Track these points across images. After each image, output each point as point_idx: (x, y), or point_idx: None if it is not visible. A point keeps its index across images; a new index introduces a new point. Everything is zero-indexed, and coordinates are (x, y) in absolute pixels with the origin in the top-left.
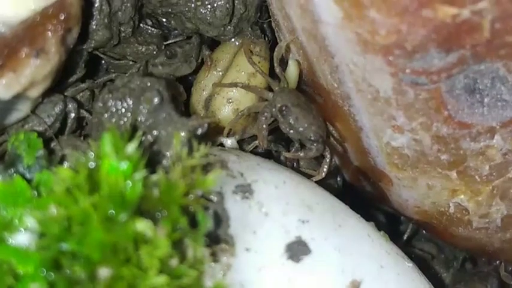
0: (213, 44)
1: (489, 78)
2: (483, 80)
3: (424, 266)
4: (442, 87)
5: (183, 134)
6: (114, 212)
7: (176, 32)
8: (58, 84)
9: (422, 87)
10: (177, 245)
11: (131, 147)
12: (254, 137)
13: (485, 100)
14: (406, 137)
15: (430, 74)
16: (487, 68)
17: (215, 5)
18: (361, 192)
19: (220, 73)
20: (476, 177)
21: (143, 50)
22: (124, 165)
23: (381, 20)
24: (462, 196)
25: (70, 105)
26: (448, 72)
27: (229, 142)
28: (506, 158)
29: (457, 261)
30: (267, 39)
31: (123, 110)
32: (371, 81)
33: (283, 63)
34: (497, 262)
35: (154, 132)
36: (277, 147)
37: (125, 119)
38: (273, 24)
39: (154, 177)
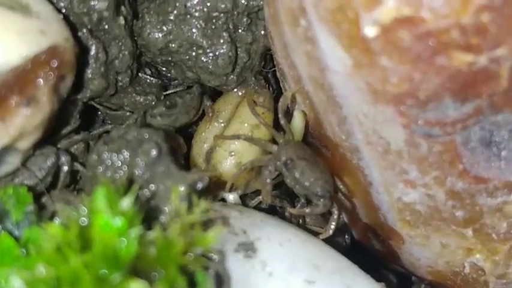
0: (215, 94)
1: (506, 130)
2: (500, 132)
3: None
4: (457, 140)
5: (182, 188)
6: (107, 271)
7: (176, 81)
8: (51, 135)
9: (436, 139)
10: None
11: (126, 203)
12: (257, 192)
13: (503, 153)
14: (418, 192)
15: (445, 125)
16: (504, 119)
17: (217, 53)
18: (370, 251)
19: (222, 125)
20: (493, 235)
21: (141, 100)
22: (118, 222)
23: (392, 68)
24: (478, 255)
25: (63, 158)
26: (463, 123)
27: (231, 197)
28: None
29: None
30: (271, 89)
31: (119, 163)
32: (382, 133)
33: (288, 114)
34: None
35: (152, 187)
36: (282, 203)
37: (121, 173)
38: (278, 74)
39: (151, 235)
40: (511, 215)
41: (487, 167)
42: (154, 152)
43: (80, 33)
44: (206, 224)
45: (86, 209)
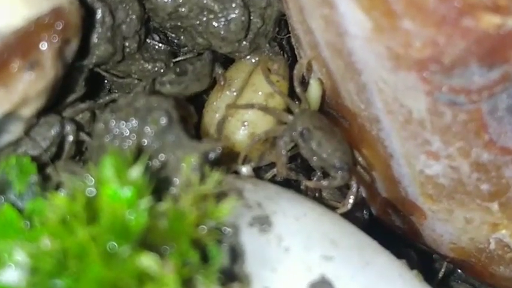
0: (227, 61)
1: None
2: None
3: None
4: (483, 108)
5: (193, 158)
6: (115, 244)
7: (186, 48)
8: (55, 104)
9: (461, 107)
10: (187, 283)
11: (135, 172)
12: (272, 165)
13: None
14: (441, 164)
15: (470, 92)
16: None
17: (229, 18)
18: (390, 227)
19: (235, 93)
20: None
21: (150, 67)
22: (127, 192)
23: (415, 31)
24: (504, 231)
25: (68, 127)
26: (489, 90)
27: (244, 170)
28: None
29: None
30: (286, 56)
31: (127, 132)
32: (403, 101)
33: (304, 82)
34: None
35: (162, 157)
36: (297, 176)
37: (129, 142)
38: (293, 40)
39: (162, 206)
40: None
41: None
42: (164, 120)
43: None
44: (219, 196)
45: (93, 179)
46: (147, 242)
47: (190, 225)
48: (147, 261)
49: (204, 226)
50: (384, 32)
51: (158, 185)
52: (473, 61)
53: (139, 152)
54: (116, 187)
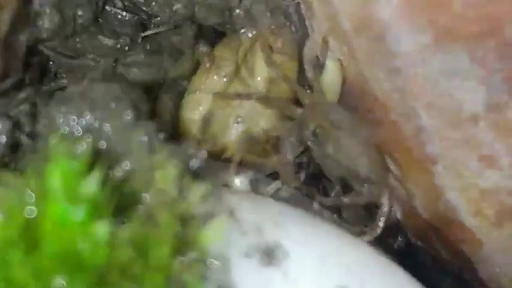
0: (216, 37)
1: None
2: None
3: None
4: None
5: (170, 167)
6: (63, 284)
7: (159, 19)
8: None
9: None
10: None
11: (90, 185)
12: (275, 175)
13: None
14: (501, 173)
15: None
16: None
17: None
18: (432, 258)
19: (225, 79)
20: None
21: (110, 44)
22: (79, 213)
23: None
24: None
25: (0, 125)
26: None
27: (238, 182)
28: None
29: None
30: (294, 29)
31: (80, 131)
32: (450, 90)
33: (319, 65)
34: None
35: (127, 165)
36: (309, 190)
37: (83, 145)
38: (303, 9)
39: (126, 231)
40: None
41: None
42: (129, 115)
43: None
44: (204, 218)
45: (33, 195)
46: (106, 280)
47: (164, 257)
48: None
49: (182, 258)
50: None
51: (121, 202)
52: None
53: (96, 157)
54: (64, 206)
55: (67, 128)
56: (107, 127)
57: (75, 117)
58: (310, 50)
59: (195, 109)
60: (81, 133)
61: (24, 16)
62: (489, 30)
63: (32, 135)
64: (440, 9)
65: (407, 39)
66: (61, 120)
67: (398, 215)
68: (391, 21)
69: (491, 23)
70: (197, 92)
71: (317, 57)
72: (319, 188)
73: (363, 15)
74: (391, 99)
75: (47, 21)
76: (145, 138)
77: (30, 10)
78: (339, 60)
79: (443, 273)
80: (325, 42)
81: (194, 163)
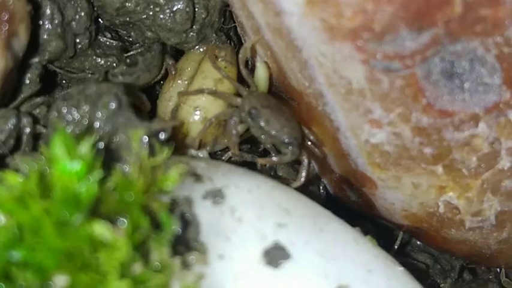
0: (178, 54)
1: (467, 60)
2: (461, 63)
3: (418, 276)
4: (418, 73)
5: (141, 133)
6: (67, 214)
7: (138, 45)
8: (10, 100)
9: (397, 73)
10: (140, 249)
11: (84, 147)
12: (227, 149)
13: (466, 85)
14: (385, 131)
15: (403, 58)
16: (463, 48)
17: (174, 9)
18: (347, 204)
19: (186, 82)
20: (464, 170)
21: (102, 62)
22: (77, 166)
23: (345, 0)
24: (451, 193)
25: (24, 120)
26: (422, 54)
27: (200, 155)
28: (494, 148)
29: (455, 271)
30: (233, 44)
31: (79, 117)
32: (342, 72)
33: (251, 67)
34: (498, 270)
35: (114, 139)
36: (252, 158)
37: (82, 127)
38: (238, 28)
39: (111, 178)
40: (479, 148)
41: (451, 100)
42: (113, 104)
43: None
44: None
45: (44, 158)
46: (99, 213)
47: (138, 192)
48: (99, 228)
49: (153, 194)
50: (316, 4)
51: (109, 162)
52: (402, 26)
53: (91, 132)
54: (65, 162)
55: (70, 116)
56: (99, 114)
57: (75, 108)
58: (243, 55)
59: (166, 105)
60: (80, 119)
61: (37, 43)
62: (363, 24)
63: (46, 126)
64: (327, 12)
65: (308, 37)
66: (65, 111)
67: (317, 171)
68: (295, 26)
69: (364, 18)
70: (167, 93)
71: (250, 63)
72: (260, 156)
73: (277, 25)
74: (303, 86)
75: (54, 46)
76: (126, 120)
77: (41, 39)
78: (265, 62)
79: (363, 217)
80: (254, 49)
81: (163, 136)
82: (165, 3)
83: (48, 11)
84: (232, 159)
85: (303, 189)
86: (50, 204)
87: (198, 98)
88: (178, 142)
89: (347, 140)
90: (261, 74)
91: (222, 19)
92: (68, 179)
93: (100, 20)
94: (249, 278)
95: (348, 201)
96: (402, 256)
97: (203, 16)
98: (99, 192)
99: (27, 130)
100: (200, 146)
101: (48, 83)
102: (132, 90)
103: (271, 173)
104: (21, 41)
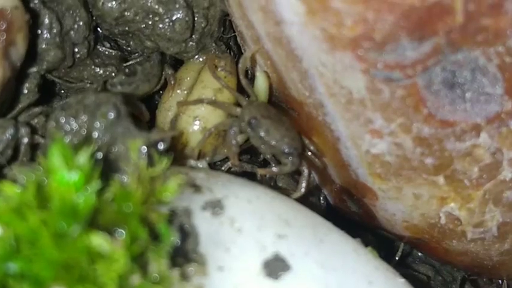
0: (178, 64)
1: (468, 69)
2: (462, 72)
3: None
4: (419, 82)
5: (139, 143)
6: (65, 225)
7: (137, 54)
8: (9, 109)
9: (398, 83)
10: (138, 260)
11: (82, 157)
12: (227, 159)
13: (467, 95)
14: (385, 141)
15: (404, 67)
16: (465, 57)
17: (173, 18)
18: (348, 215)
19: (185, 92)
20: (466, 181)
21: (101, 72)
22: (75, 176)
23: (345, 9)
24: (452, 204)
25: (23, 130)
26: (423, 64)
27: (199, 165)
28: (496, 158)
29: (456, 283)
30: (232, 54)
31: (77, 127)
32: (342, 82)
33: (251, 77)
34: (500, 281)
35: (113, 149)
36: (252, 168)
37: (80, 137)
38: (238, 38)
39: (110, 189)
40: (481, 158)
41: (452, 110)
42: (112, 114)
43: (31, 4)
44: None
45: (41, 168)
46: (97, 224)
47: (137, 203)
48: (97, 239)
49: (151, 204)
50: (317, 14)
51: (107, 172)
52: (403, 35)
53: (89, 142)
54: (63, 173)
55: (68, 126)
56: (97, 124)
57: (73, 118)
58: (243, 64)
59: (166, 115)
60: (78, 129)
61: (35, 53)
62: (363, 33)
63: (44, 136)
64: (327, 22)
65: (309, 47)
66: (63, 121)
67: (318, 182)
68: (296, 36)
69: (365, 28)
70: (166, 103)
71: (249, 72)
72: (260, 166)
73: (277, 34)
74: (304, 96)
75: (53, 56)
76: (125, 130)
77: (39, 49)
78: (265, 72)
79: (363, 228)
80: (253, 58)
81: (162, 146)
82: (164, 13)
83: (46, 21)
84: (232, 169)
85: (303, 200)
86: (47, 215)
87: (198, 108)
88: (177, 152)
89: (347, 150)
90: (261, 84)
91: (222, 28)
92: (66, 190)
93: (99, 29)
94: None
95: (348, 212)
96: (403, 267)
97: (203, 25)
98: (97, 203)
99: (25, 140)
100: (199, 156)
101: (47, 92)
102: (131, 100)
103: (271, 183)
104: (19, 50)
